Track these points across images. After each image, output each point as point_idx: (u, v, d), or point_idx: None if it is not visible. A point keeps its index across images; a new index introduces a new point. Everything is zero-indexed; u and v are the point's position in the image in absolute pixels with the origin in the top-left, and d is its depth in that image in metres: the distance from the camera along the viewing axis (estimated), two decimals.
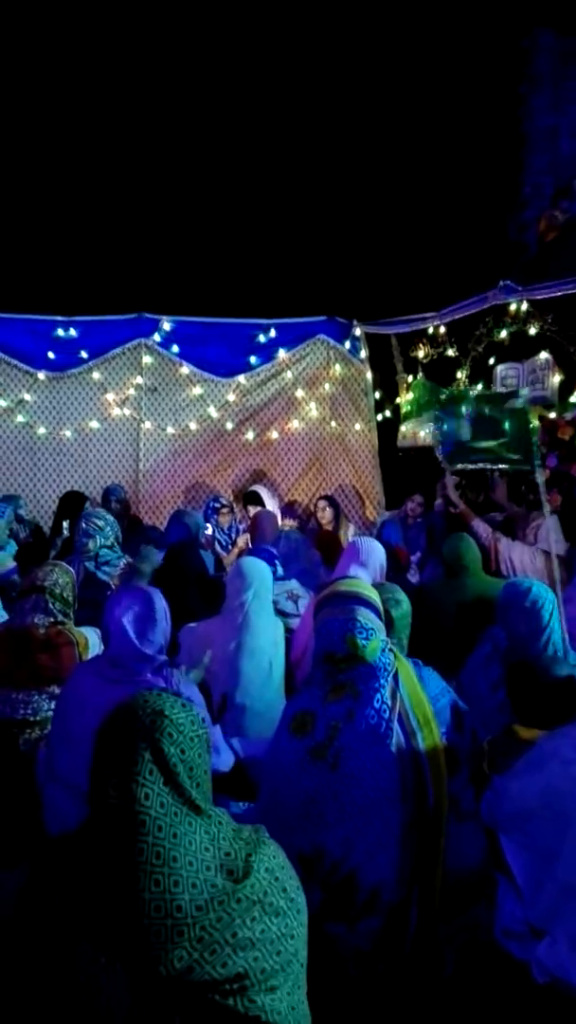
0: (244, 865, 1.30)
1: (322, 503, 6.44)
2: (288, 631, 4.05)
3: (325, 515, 6.33)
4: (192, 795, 1.28)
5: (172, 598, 3.03)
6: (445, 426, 5.64)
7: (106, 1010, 1.17)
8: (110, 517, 4.80)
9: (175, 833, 1.23)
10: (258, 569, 3.48)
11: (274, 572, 4.36)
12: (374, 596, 2.40)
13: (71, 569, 3.58)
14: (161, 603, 2.70)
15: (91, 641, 3.34)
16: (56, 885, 1.27)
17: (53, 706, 3.09)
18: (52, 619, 3.33)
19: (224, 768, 2.80)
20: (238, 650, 3.30)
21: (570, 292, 5.72)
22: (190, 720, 1.34)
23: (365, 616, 2.28)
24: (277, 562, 4.45)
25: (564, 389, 5.94)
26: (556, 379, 5.91)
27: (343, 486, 7.71)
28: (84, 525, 4.65)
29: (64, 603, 3.40)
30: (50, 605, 3.34)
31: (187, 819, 1.26)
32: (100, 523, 4.64)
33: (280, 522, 6.48)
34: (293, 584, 4.35)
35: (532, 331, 6.04)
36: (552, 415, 5.93)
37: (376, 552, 3.65)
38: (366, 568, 3.59)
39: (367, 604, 2.33)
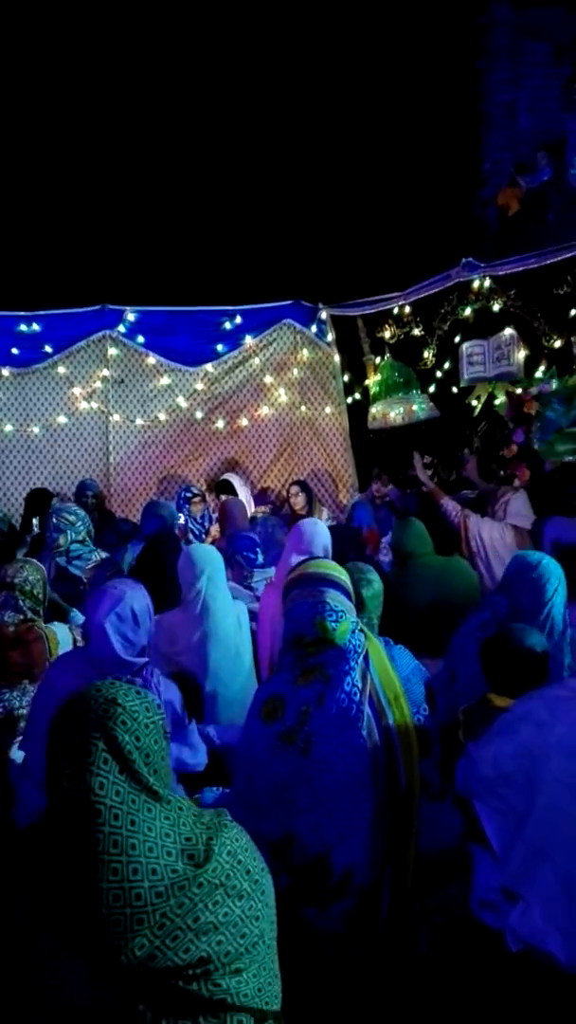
0: (205, 849, 1.29)
1: (294, 488, 6.43)
2: None
3: (298, 500, 6.32)
4: (149, 782, 1.27)
5: (152, 589, 3.02)
6: (549, 412, 5.56)
7: (68, 1002, 1.16)
8: (81, 512, 4.75)
9: (132, 820, 1.22)
10: (207, 553, 3.46)
11: (254, 560, 4.35)
12: (343, 576, 2.38)
13: (42, 566, 3.57)
14: (143, 602, 2.65)
15: (61, 637, 3.33)
16: (16, 878, 1.26)
17: (24, 702, 3.08)
18: (22, 616, 3.31)
19: (199, 768, 2.79)
20: (203, 639, 3.28)
21: (531, 267, 5.74)
22: (144, 707, 1.33)
23: (334, 598, 2.26)
24: (258, 549, 4.43)
25: (529, 364, 5.97)
26: (521, 354, 5.94)
27: (316, 470, 7.70)
28: (54, 520, 4.62)
29: (35, 600, 3.38)
30: (20, 602, 3.33)
31: (145, 806, 1.25)
32: (71, 518, 4.61)
33: (253, 509, 6.48)
34: (272, 571, 4.34)
35: (496, 307, 6.06)
36: (518, 390, 5.96)
37: (319, 535, 3.63)
38: (309, 551, 3.56)
39: (336, 585, 2.31)
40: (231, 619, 3.39)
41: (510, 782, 2.09)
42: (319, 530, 3.64)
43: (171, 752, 2.57)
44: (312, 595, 2.26)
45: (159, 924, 1.19)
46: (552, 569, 3.03)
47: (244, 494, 6.64)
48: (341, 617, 2.23)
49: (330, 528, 4.81)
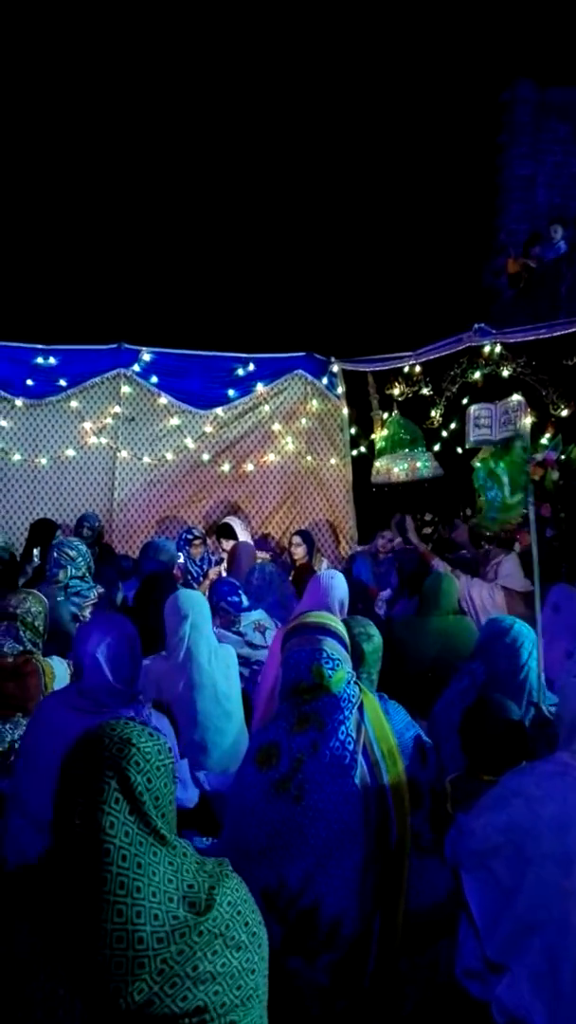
0: (207, 898, 1.29)
1: (296, 539, 6.43)
2: (257, 662, 4.03)
3: (299, 551, 6.31)
4: (157, 825, 1.27)
5: (145, 628, 3.03)
6: (490, 494, 5.69)
7: None
8: (83, 547, 4.74)
9: (139, 863, 1.22)
10: (193, 600, 3.46)
11: (239, 603, 4.35)
12: (340, 628, 2.42)
13: (44, 598, 3.56)
14: (132, 634, 2.67)
15: (58, 672, 3.31)
16: (14, 916, 1.26)
17: (16, 736, 3.06)
18: (22, 647, 3.30)
19: (189, 804, 2.78)
20: (187, 688, 3.26)
21: (543, 336, 5.86)
22: (156, 749, 1.33)
23: (331, 647, 2.29)
24: (241, 592, 4.43)
25: (536, 430, 6.05)
26: (528, 420, 6.02)
27: (317, 521, 7.74)
28: (55, 555, 4.61)
29: (35, 632, 3.37)
30: (21, 633, 3.32)
31: (152, 849, 1.26)
32: (72, 553, 4.60)
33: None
34: (259, 615, 4.34)
35: (505, 373, 6.16)
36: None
37: (337, 588, 3.66)
38: (326, 603, 3.59)
39: (333, 635, 2.35)
40: (217, 666, 3.36)
41: (499, 856, 2.09)
42: (336, 583, 3.68)
43: None
44: (310, 643, 2.29)
45: (159, 970, 1.19)
46: (525, 632, 3.06)
47: (245, 538, 6.66)
48: (337, 665, 2.25)
49: None
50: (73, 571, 4.55)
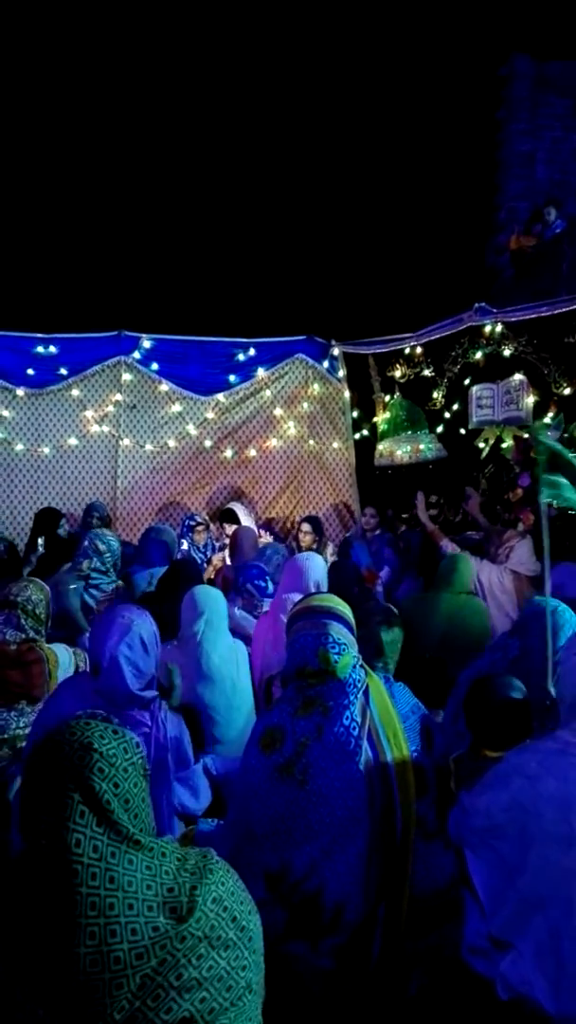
0: (188, 900, 1.22)
1: (305, 526, 6.38)
2: None
3: (306, 540, 6.29)
4: (130, 831, 1.21)
5: (168, 613, 3.02)
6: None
7: None
8: (115, 544, 4.67)
9: (112, 877, 1.16)
10: (211, 597, 3.45)
11: (265, 588, 4.36)
12: (347, 611, 2.40)
13: (46, 586, 3.57)
14: (151, 629, 2.61)
15: (61, 659, 3.32)
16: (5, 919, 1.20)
17: (22, 723, 3.08)
18: (24, 635, 3.31)
19: (198, 812, 2.76)
20: (197, 681, 3.27)
21: (543, 315, 5.82)
22: (122, 748, 1.26)
23: (337, 631, 2.28)
24: (268, 579, 4.44)
25: (538, 410, 6.03)
26: (530, 400, 6.00)
27: (320, 505, 7.74)
28: (86, 543, 4.60)
29: (36, 620, 3.38)
30: (22, 621, 3.33)
31: (126, 857, 1.19)
32: (102, 547, 4.58)
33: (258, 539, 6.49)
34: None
35: (507, 352, 6.13)
36: (526, 435, 6.01)
37: (312, 568, 3.64)
38: (300, 586, 3.58)
39: (340, 619, 2.33)
40: (228, 662, 3.36)
41: (503, 834, 2.09)
42: (312, 564, 3.67)
43: (175, 794, 2.55)
44: (316, 627, 2.28)
45: (139, 984, 1.13)
46: (567, 617, 3.06)
47: (248, 524, 6.65)
48: (343, 650, 2.24)
49: (331, 565, 4.85)
50: (97, 563, 4.55)
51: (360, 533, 6.59)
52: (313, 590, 3.55)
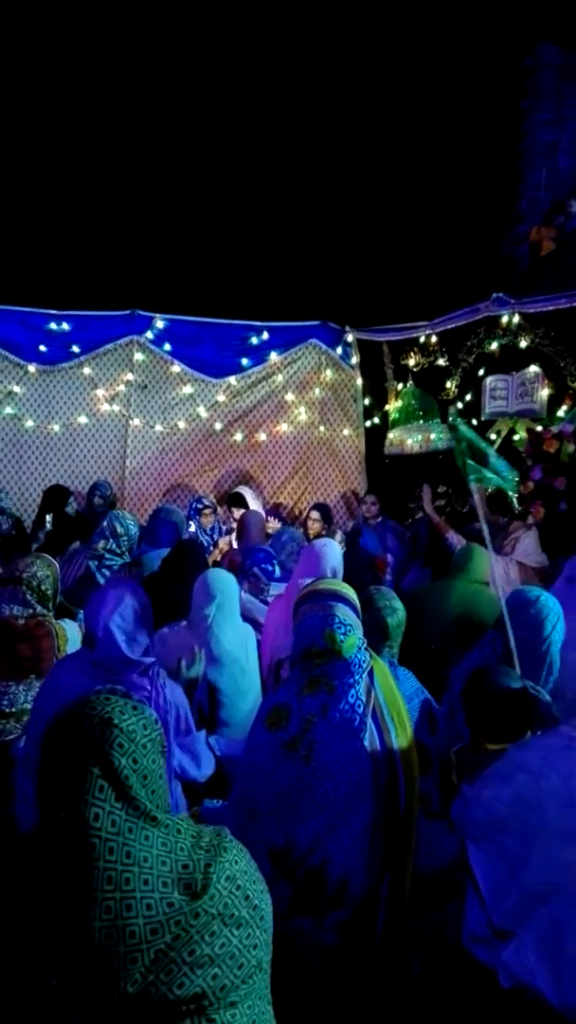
0: (203, 877, 1.23)
1: (314, 513, 6.36)
2: None
3: (315, 526, 6.27)
4: (147, 807, 1.22)
5: (173, 594, 2.97)
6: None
7: None
8: (134, 529, 4.66)
9: (128, 852, 1.17)
10: (223, 581, 3.44)
11: (271, 572, 4.35)
12: (352, 594, 2.43)
13: (54, 562, 3.56)
14: (143, 599, 2.66)
15: (69, 634, 3.33)
16: (9, 903, 1.21)
17: (29, 697, 3.08)
18: (31, 610, 3.31)
19: (201, 779, 2.78)
20: (207, 663, 3.27)
21: (562, 307, 5.76)
22: (142, 724, 1.27)
23: (343, 612, 2.30)
24: (276, 563, 4.43)
25: (552, 402, 5.99)
26: (545, 392, 5.96)
27: (329, 491, 7.73)
28: (105, 523, 4.59)
29: (41, 595, 3.36)
30: (27, 596, 3.32)
31: (143, 833, 1.20)
32: (120, 530, 4.56)
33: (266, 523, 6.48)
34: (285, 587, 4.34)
35: (523, 344, 6.08)
36: (539, 428, 5.97)
37: (328, 555, 3.64)
38: (317, 572, 3.57)
39: (345, 601, 2.36)
40: (237, 645, 3.36)
41: (505, 828, 2.09)
42: (329, 551, 3.66)
43: (174, 756, 2.58)
44: (323, 608, 2.31)
45: (153, 959, 1.14)
46: (551, 605, 3.03)
47: (256, 508, 6.64)
48: (349, 631, 2.27)
49: (344, 552, 4.84)
50: (113, 545, 4.54)
51: (361, 520, 6.56)
52: (330, 576, 3.55)
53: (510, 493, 5.40)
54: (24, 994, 1.14)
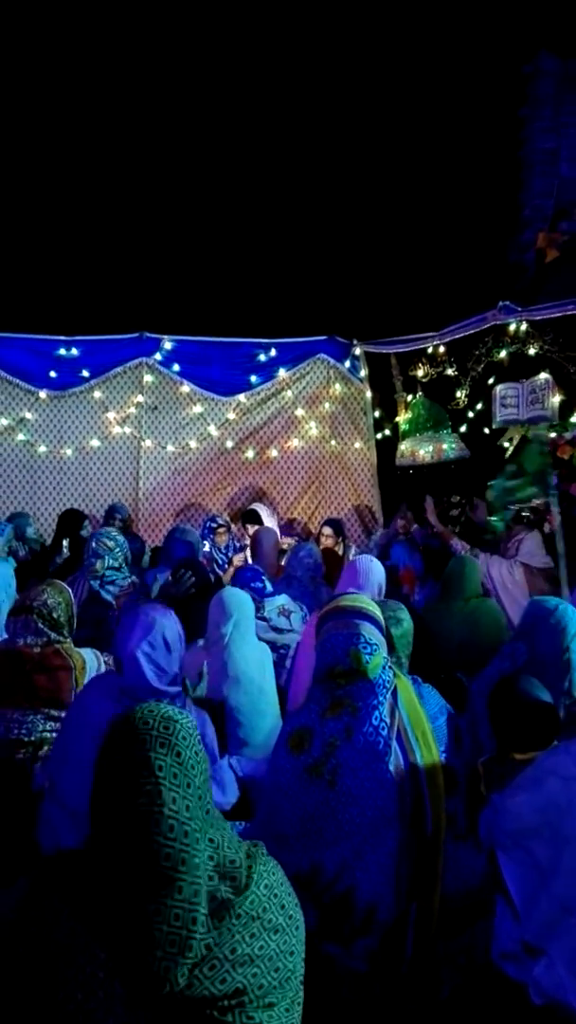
0: (247, 874, 1.29)
1: (327, 530, 6.36)
2: (283, 646, 4.03)
3: (327, 543, 6.27)
4: (207, 798, 1.29)
5: (188, 612, 3.02)
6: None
7: None
8: (120, 538, 4.75)
9: (197, 839, 1.22)
10: (239, 600, 3.44)
11: (262, 588, 4.34)
12: (377, 612, 2.40)
13: (66, 588, 3.55)
14: (175, 628, 2.62)
15: (89, 662, 3.30)
16: (54, 900, 1.25)
17: (48, 727, 3.07)
18: (46, 638, 3.29)
19: (227, 807, 2.76)
20: (224, 683, 3.27)
21: (570, 313, 5.75)
22: (192, 725, 1.34)
23: (369, 631, 2.27)
24: (264, 578, 4.42)
25: (564, 409, 5.97)
26: (556, 399, 5.93)
27: (342, 505, 7.72)
28: (94, 545, 4.63)
29: (54, 623, 3.34)
30: (39, 625, 3.30)
31: (207, 822, 1.26)
32: (110, 543, 4.62)
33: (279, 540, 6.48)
34: (283, 600, 4.33)
35: (531, 351, 6.07)
36: (552, 435, 5.95)
37: (375, 571, 3.65)
38: (364, 588, 3.58)
39: (371, 619, 2.33)
40: (254, 664, 3.36)
41: (536, 835, 2.06)
42: (375, 568, 3.66)
43: None
44: (348, 627, 2.27)
45: (201, 954, 1.19)
46: (570, 614, 3.02)
47: (271, 524, 6.64)
48: (375, 651, 2.23)
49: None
50: (111, 561, 4.57)
51: (394, 534, 6.55)
52: (376, 593, 3.55)
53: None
54: (71, 987, 1.17)
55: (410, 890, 2.01)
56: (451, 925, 2.05)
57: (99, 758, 1.29)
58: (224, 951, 1.20)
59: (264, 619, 4.19)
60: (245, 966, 1.21)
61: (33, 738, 3.09)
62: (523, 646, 3.12)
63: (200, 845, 1.22)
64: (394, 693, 2.21)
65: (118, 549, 4.63)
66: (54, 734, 3.04)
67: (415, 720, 2.19)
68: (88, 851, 1.27)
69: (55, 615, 3.35)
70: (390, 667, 2.28)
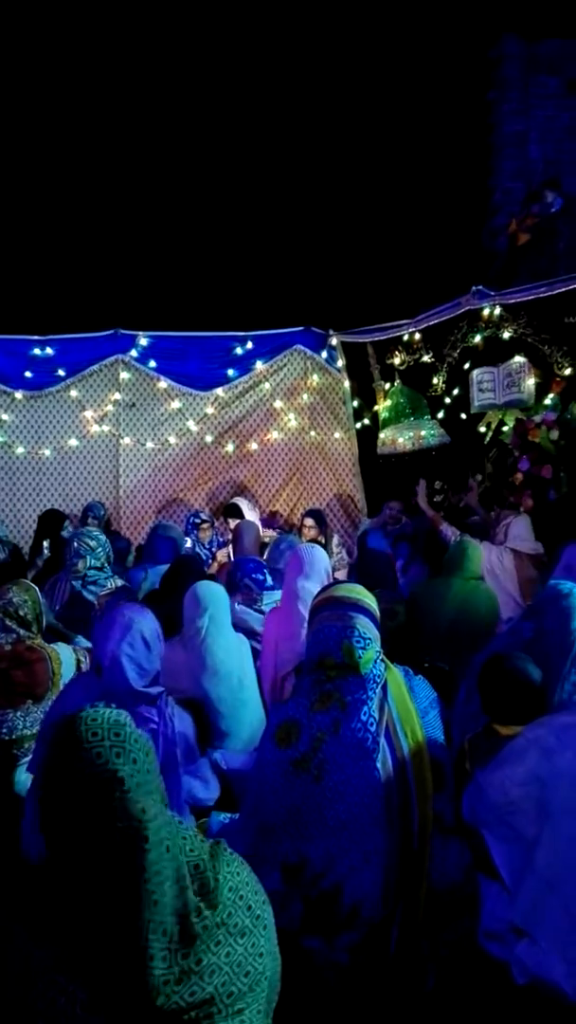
0: (213, 879, 1.27)
1: (308, 521, 6.35)
2: None
3: (309, 534, 6.26)
4: (166, 798, 1.28)
5: (173, 610, 3.03)
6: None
7: None
8: (102, 537, 4.71)
9: (168, 847, 1.20)
10: (213, 593, 3.41)
11: (263, 581, 4.33)
12: (373, 605, 2.38)
13: (32, 586, 3.56)
14: (152, 626, 2.59)
15: (64, 658, 3.30)
16: (9, 921, 1.23)
17: (28, 722, 3.06)
18: (15, 635, 3.29)
19: (210, 803, 2.75)
20: (202, 676, 3.23)
21: (542, 295, 5.76)
22: (131, 721, 1.32)
23: (364, 625, 2.25)
24: (266, 571, 4.41)
25: (540, 391, 5.98)
26: (531, 382, 5.95)
27: (325, 496, 7.71)
28: (76, 544, 4.59)
29: (21, 620, 3.35)
30: (7, 623, 3.32)
31: (172, 828, 1.23)
32: (92, 543, 4.58)
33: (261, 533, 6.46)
34: (280, 595, 4.32)
35: (506, 335, 6.07)
36: (524, 418, 5.98)
37: (318, 559, 3.63)
38: (311, 576, 3.56)
39: (366, 612, 2.31)
40: (232, 656, 3.32)
41: (519, 809, 2.07)
42: (318, 555, 3.65)
43: (183, 785, 2.55)
44: (342, 619, 2.25)
45: (169, 964, 1.17)
46: None
47: (252, 518, 6.62)
48: (368, 645, 2.22)
49: (368, 553, 4.81)
50: (92, 561, 4.54)
51: (382, 524, 6.54)
52: (325, 579, 3.54)
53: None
54: (32, 1014, 1.15)
55: (397, 889, 2.00)
56: (437, 920, 2.04)
57: (47, 772, 1.25)
58: (189, 963, 1.18)
59: (261, 612, 4.17)
60: (214, 975, 1.20)
61: (15, 736, 3.08)
62: (531, 625, 3.12)
63: (170, 853, 1.20)
64: (384, 687, 2.19)
65: (100, 549, 4.59)
66: (35, 729, 3.02)
67: (404, 716, 2.17)
68: (50, 867, 1.23)
69: (22, 612, 3.36)
70: (382, 660, 2.26)
